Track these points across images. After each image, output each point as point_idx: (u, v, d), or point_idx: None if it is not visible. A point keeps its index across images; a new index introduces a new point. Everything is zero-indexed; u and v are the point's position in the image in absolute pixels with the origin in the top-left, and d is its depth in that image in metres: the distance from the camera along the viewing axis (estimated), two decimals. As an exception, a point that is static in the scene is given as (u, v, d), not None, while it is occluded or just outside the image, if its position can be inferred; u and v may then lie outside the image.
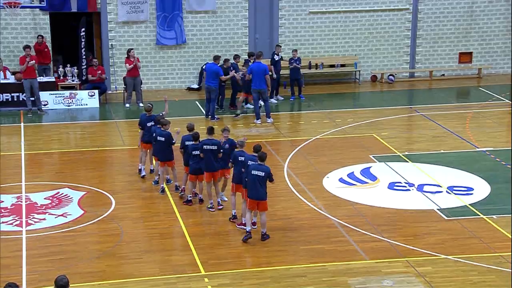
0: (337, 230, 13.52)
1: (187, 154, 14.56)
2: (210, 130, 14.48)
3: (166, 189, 15.33)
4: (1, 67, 21.96)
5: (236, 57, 21.82)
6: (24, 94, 21.30)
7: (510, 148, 17.96)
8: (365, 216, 14.16)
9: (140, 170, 16.23)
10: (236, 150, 13.95)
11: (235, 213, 13.98)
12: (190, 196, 14.73)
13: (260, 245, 13.02)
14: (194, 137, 14.47)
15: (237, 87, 21.33)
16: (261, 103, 20.31)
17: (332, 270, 12.11)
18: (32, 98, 21.17)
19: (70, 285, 10.66)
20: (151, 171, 16.23)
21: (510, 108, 21.28)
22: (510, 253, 12.57)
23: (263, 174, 12.86)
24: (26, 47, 21.19)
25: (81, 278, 11.79)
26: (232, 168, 13.89)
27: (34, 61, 20.98)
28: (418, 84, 24.88)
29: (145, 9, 23.36)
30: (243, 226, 13.54)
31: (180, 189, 15.04)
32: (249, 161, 13.18)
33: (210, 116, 20.33)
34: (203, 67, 23.68)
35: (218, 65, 20.47)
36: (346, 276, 11.90)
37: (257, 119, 20.31)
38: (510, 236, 13.23)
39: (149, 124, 15.75)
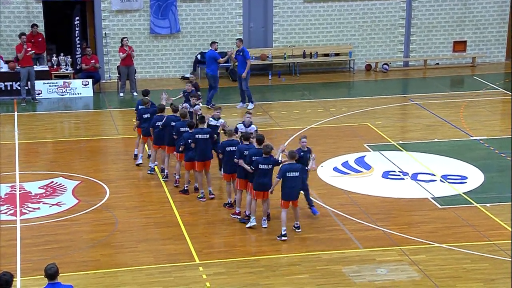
0: (331, 219, 13.54)
1: (182, 141, 14.55)
2: (202, 119, 14.48)
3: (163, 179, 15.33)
4: None
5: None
6: (19, 83, 21.23)
7: (505, 136, 18.03)
8: (359, 205, 14.19)
9: (136, 156, 16.25)
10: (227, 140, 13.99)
11: (230, 201, 14.00)
12: (186, 186, 14.72)
13: (254, 234, 13.05)
14: (189, 125, 14.45)
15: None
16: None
17: (327, 258, 12.15)
18: (27, 87, 21.09)
19: (65, 274, 10.71)
20: (148, 156, 16.21)
21: (510, 98, 21.28)
22: (506, 241, 12.64)
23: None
24: (22, 34, 21.10)
25: (76, 267, 11.80)
26: (223, 158, 13.89)
27: (33, 51, 20.92)
28: (412, 73, 24.89)
29: (138, -3, 23.28)
30: (237, 216, 13.57)
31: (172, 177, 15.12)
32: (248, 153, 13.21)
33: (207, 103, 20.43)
34: (198, 56, 23.72)
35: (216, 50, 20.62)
36: (341, 264, 11.95)
37: (251, 102, 20.53)
38: (507, 225, 13.29)
39: (145, 116, 15.74)
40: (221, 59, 20.62)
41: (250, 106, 20.50)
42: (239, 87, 20.80)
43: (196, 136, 14.13)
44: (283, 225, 12.79)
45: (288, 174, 12.56)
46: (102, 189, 15.01)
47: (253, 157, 12.95)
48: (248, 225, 13.13)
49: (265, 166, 12.80)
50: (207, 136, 14.20)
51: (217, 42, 21.02)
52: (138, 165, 16.11)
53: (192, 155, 14.34)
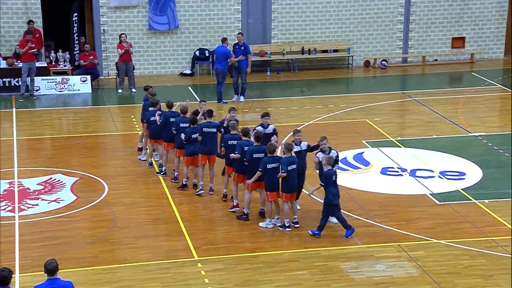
0: (330, 215, 13.55)
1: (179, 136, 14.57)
2: (209, 113, 14.51)
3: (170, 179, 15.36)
4: None
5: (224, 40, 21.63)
6: (17, 79, 21.22)
7: (503, 133, 18.06)
8: (358, 201, 14.20)
9: (140, 149, 16.35)
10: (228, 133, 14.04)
11: (225, 192, 14.10)
12: (185, 181, 14.74)
13: (253, 230, 13.07)
14: (192, 121, 14.44)
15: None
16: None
17: (325, 255, 12.17)
18: (27, 83, 21.09)
19: (64, 271, 10.71)
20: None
21: (510, 94, 21.26)
22: (504, 237, 12.66)
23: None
24: (29, 33, 21.13)
25: (74, 264, 11.81)
26: (225, 151, 13.92)
27: (37, 49, 20.89)
28: (411, 69, 24.89)
29: (137, -7, 23.25)
30: (235, 209, 13.63)
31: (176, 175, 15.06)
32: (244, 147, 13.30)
33: (220, 101, 20.64)
34: (196, 52, 23.71)
35: (227, 47, 20.73)
36: (339, 260, 11.96)
37: (243, 96, 20.93)
38: (505, 221, 13.31)
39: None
40: (232, 58, 20.59)
41: (242, 99, 20.81)
42: (234, 80, 20.95)
43: (204, 129, 14.19)
44: (285, 217, 12.86)
45: (289, 168, 12.64)
46: (101, 186, 15.01)
47: (254, 154, 13.04)
48: (264, 225, 13.15)
49: (273, 164, 12.83)
50: (214, 130, 14.26)
51: (227, 38, 21.09)
52: (142, 159, 16.19)
53: (194, 149, 14.36)
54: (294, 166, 12.78)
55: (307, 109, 20.28)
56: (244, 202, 13.39)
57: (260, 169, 12.81)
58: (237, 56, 20.67)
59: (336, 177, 12.71)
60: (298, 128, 14.43)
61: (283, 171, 12.65)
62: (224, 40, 20.85)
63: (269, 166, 12.77)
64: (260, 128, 14.04)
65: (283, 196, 12.87)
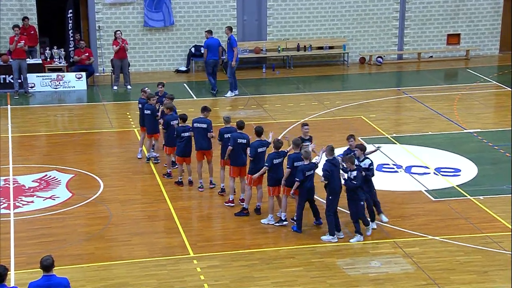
0: (326, 211, 13.57)
1: (175, 135, 14.56)
2: (204, 109, 14.52)
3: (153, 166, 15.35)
4: None
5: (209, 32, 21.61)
6: (11, 76, 21.15)
7: (498, 129, 18.10)
8: (353, 198, 14.21)
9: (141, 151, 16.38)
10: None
11: (223, 186, 14.15)
12: (180, 178, 14.74)
13: (249, 226, 13.08)
14: (183, 118, 14.45)
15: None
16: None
17: (321, 251, 12.18)
18: (20, 80, 21.02)
19: (59, 268, 10.71)
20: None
21: (511, 91, 21.29)
22: (499, 233, 12.70)
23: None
24: (15, 26, 21.03)
25: (70, 261, 11.80)
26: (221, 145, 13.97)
27: (23, 43, 20.74)
28: (406, 66, 24.91)
29: (132, -10, 23.21)
30: (231, 204, 13.64)
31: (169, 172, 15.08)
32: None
33: (215, 90, 20.88)
34: (191, 49, 23.68)
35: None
36: (335, 257, 11.98)
37: (230, 91, 21.11)
38: (500, 217, 13.35)
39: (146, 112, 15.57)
40: (221, 47, 21.03)
41: (229, 94, 20.92)
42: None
43: (194, 125, 14.19)
44: (283, 211, 12.89)
45: (295, 164, 12.63)
46: (96, 183, 15.00)
47: (259, 149, 13.09)
48: (277, 224, 13.10)
49: (279, 160, 12.88)
50: (204, 125, 14.26)
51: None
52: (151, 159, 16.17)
53: (184, 147, 14.37)
54: (300, 163, 12.68)
55: (302, 106, 20.28)
56: (234, 193, 13.54)
57: (266, 165, 12.83)
58: (227, 50, 20.88)
59: (311, 172, 12.59)
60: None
61: (288, 166, 12.62)
62: (211, 32, 21.03)
63: (274, 161, 12.80)
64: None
65: (284, 190, 12.88)
